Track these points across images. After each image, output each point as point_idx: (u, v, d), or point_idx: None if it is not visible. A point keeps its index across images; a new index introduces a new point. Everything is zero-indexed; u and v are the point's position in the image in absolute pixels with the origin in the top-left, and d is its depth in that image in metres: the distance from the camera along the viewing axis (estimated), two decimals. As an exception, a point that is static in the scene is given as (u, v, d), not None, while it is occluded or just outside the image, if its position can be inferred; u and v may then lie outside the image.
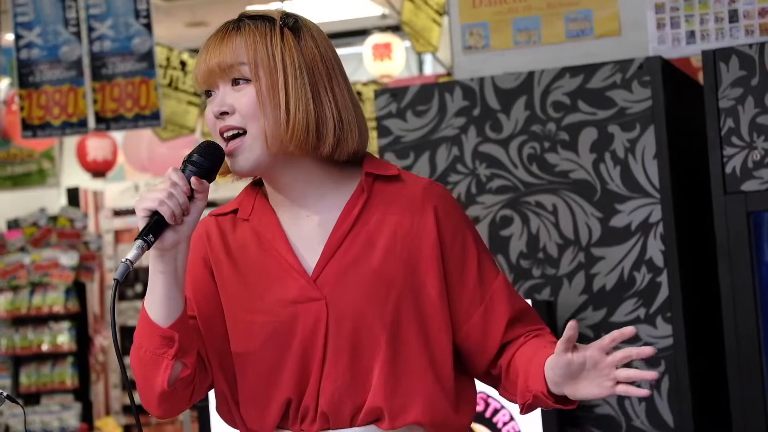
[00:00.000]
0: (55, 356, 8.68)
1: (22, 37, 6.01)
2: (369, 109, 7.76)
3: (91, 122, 6.07)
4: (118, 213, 10.19)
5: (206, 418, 3.25)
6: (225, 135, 1.98)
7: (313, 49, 2.00)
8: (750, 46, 3.03)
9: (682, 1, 3.24)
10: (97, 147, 8.63)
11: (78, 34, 6.00)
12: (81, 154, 8.73)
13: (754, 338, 2.99)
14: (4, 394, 2.28)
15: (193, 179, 1.91)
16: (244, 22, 2.00)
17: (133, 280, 10.20)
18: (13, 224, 8.61)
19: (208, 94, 2.01)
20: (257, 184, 2.09)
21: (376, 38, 8.51)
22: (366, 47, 8.48)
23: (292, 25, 2.01)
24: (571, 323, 1.89)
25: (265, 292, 1.99)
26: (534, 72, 3.23)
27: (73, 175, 9.75)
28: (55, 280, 8.61)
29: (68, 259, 8.64)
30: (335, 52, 2.06)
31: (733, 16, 3.20)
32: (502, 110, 3.25)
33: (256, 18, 2.01)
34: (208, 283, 2.04)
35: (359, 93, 8.75)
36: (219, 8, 8.77)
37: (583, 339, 3.15)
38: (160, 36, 6.45)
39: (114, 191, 10.18)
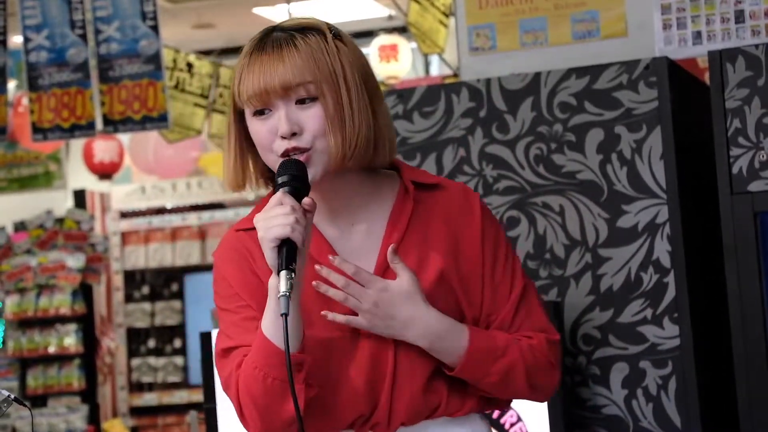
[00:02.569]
0: (62, 358, 8.69)
1: (30, 39, 6.02)
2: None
3: (99, 124, 6.08)
4: (124, 215, 10.21)
5: (213, 420, 3.25)
6: (291, 155, 1.93)
7: (361, 60, 2.00)
8: (756, 46, 3.03)
9: (689, 1, 3.25)
10: (103, 149, 8.64)
11: (84, 37, 6.01)
12: (87, 156, 8.75)
13: (761, 339, 2.99)
14: (11, 396, 2.28)
15: (305, 200, 1.89)
16: (294, 36, 1.96)
17: (139, 283, 10.22)
18: (20, 226, 8.61)
19: (260, 112, 1.95)
20: None
21: (383, 39, 8.51)
22: (372, 48, 8.49)
23: (337, 34, 1.98)
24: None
25: (322, 307, 1.96)
26: (540, 73, 3.23)
27: (80, 177, 9.76)
28: (61, 282, 8.62)
29: (75, 261, 8.65)
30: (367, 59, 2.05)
31: (740, 17, 3.20)
32: (508, 111, 3.25)
33: (303, 30, 1.97)
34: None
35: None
36: (225, 10, 8.78)
37: (591, 340, 3.16)
38: (167, 38, 6.45)
39: (120, 193, 10.20)
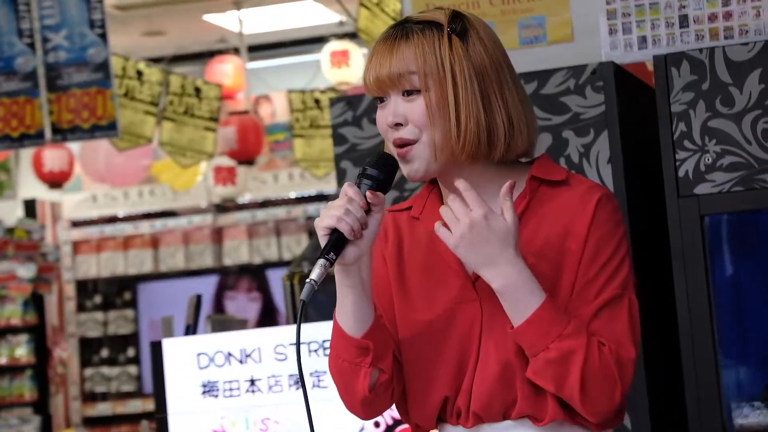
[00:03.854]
0: (14, 369, 8.62)
1: (-23, 49, 5.97)
2: (326, 118, 7.76)
3: (48, 133, 6.04)
4: (75, 224, 10.14)
5: (165, 429, 3.23)
6: (400, 145, 2.00)
7: (481, 54, 2.01)
8: (700, 50, 3.07)
9: (634, 6, 3.27)
10: (53, 158, 8.58)
11: (32, 45, 5.97)
12: (37, 165, 8.68)
13: (708, 340, 3.02)
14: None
15: (368, 193, 1.94)
16: (411, 29, 2.00)
17: (92, 292, 10.15)
18: (-30, 237, 8.55)
19: (380, 99, 2.02)
20: (433, 182, 2.11)
21: (334, 45, 8.52)
22: (324, 55, 8.49)
23: (460, 29, 2.01)
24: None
25: (429, 290, 2.04)
26: (488, 78, 3.24)
27: (30, 187, 9.69)
28: (12, 293, 8.56)
29: (26, 271, 8.59)
30: (503, 50, 2.06)
31: (684, 22, 3.23)
32: (457, 117, 3.26)
33: (423, 24, 2.01)
34: (389, 281, 2.09)
35: (317, 101, 8.77)
36: (175, 17, 8.75)
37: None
38: (116, 45, 6.43)
39: (71, 202, 10.13)
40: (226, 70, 8.88)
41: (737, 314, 3.22)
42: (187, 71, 8.63)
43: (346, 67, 8.52)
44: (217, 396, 3.16)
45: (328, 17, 8.91)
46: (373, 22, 6.81)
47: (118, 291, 10.15)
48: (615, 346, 1.96)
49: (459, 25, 2.01)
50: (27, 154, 9.15)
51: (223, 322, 4.34)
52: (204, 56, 9.28)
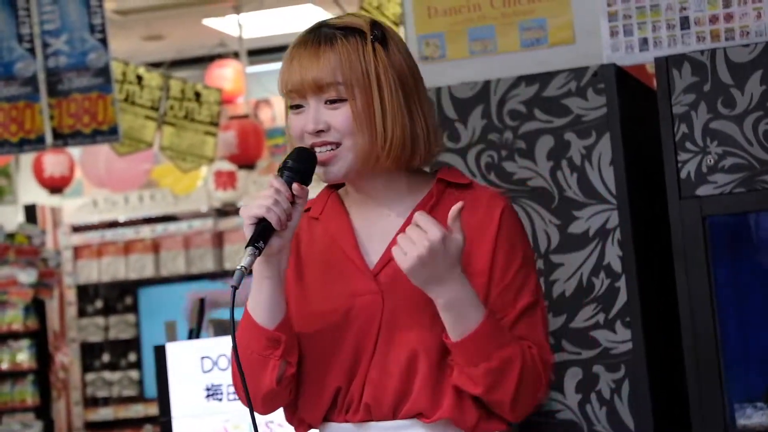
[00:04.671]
0: (15, 375, 8.62)
1: (-24, 54, 5.97)
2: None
3: (49, 138, 6.04)
4: (76, 229, 10.14)
5: (169, 433, 3.24)
6: (318, 149, 2.02)
7: (402, 63, 2.05)
8: (702, 52, 3.07)
9: (635, 8, 3.28)
10: (53, 163, 8.59)
11: (33, 50, 5.97)
12: (37, 170, 8.69)
13: (711, 341, 3.02)
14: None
15: (294, 185, 1.98)
16: (334, 35, 2.02)
17: (93, 297, 10.15)
18: (-30, 242, 8.55)
19: (296, 106, 2.04)
20: (332, 186, 2.16)
21: (333, 49, 8.50)
22: (323, 59, 8.47)
23: (381, 37, 2.03)
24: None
25: (327, 284, 2.07)
26: (490, 81, 3.25)
27: (30, 192, 9.68)
28: (13, 298, 8.56)
29: (26, 276, 8.59)
30: (414, 61, 2.10)
31: (685, 23, 3.24)
32: (459, 120, 3.27)
33: (345, 30, 2.03)
34: (288, 279, 2.11)
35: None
36: (174, 22, 8.76)
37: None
38: (116, 50, 6.43)
39: (72, 207, 10.13)
40: (225, 75, 8.88)
41: (740, 315, 3.23)
42: (187, 76, 8.63)
43: (346, 71, 8.50)
44: (221, 399, 3.17)
45: (328, 21, 8.91)
46: (373, 25, 6.81)
47: (119, 296, 10.14)
48: (539, 350, 2.05)
49: (380, 33, 2.04)
50: (27, 159, 9.16)
51: (225, 326, 4.34)
52: (204, 60, 9.28)
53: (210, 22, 8.87)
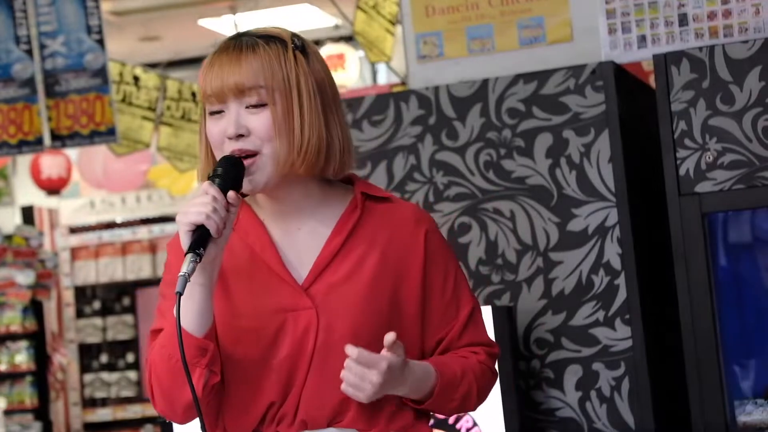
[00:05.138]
0: (14, 376, 8.61)
1: (-26, 57, 5.96)
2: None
3: (47, 140, 6.03)
4: (73, 230, 10.13)
5: (169, 433, 3.24)
6: (237, 156, 2.02)
7: (320, 73, 2.08)
8: (700, 49, 3.07)
9: (633, 6, 3.28)
10: (51, 164, 8.58)
11: (30, 52, 5.96)
12: (35, 172, 8.69)
13: (711, 338, 3.02)
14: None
15: (230, 193, 1.98)
16: (255, 41, 2.04)
17: (90, 298, 10.14)
18: (-32, 244, 8.54)
19: (216, 111, 2.04)
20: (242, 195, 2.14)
21: (330, 49, 8.52)
22: (319, 58, 8.47)
23: (301, 47, 2.06)
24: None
25: (254, 300, 2.05)
26: (488, 79, 3.25)
27: (28, 194, 9.68)
28: (11, 299, 8.56)
29: (24, 277, 8.58)
30: (331, 73, 2.13)
31: (683, 20, 3.24)
32: (457, 118, 3.27)
33: (266, 38, 2.05)
34: None
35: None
36: (171, 23, 8.76)
37: (544, 343, 3.18)
38: (113, 51, 6.42)
39: (69, 208, 10.12)
40: (222, 75, 8.87)
41: (739, 312, 3.23)
42: (183, 76, 8.61)
43: (342, 70, 8.52)
44: (221, 399, 3.16)
45: (324, 21, 8.91)
46: (369, 25, 6.82)
47: (116, 297, 10.14)
48: (487, 349, 2.16)
49: (300, 43, 2.07)
50: (24, 161, 9.15)
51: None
52: (200, 61, 9.26)
53: (206, 22, 8.86)
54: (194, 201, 1.96)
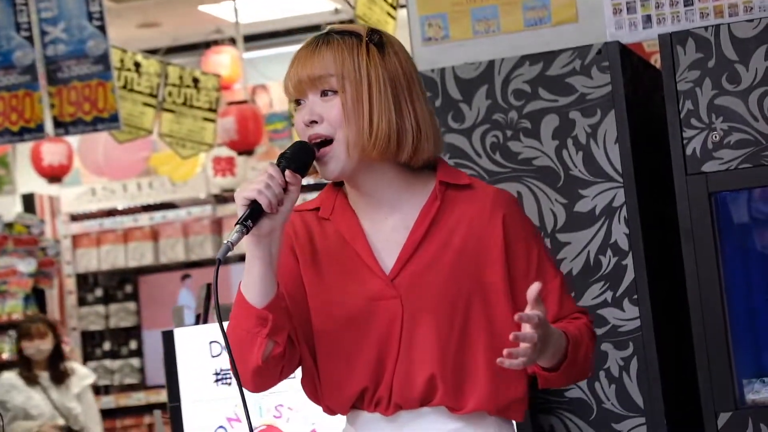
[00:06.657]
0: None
1: (-26, 43, 5.95)
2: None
3: (49, 127, 6.02)
4: (75, 218, 10.12)
5: (179, 419, 3.24)
6: (313, 142, 2.15)
7: (395, 64, 2.18)
8: (705, 28, 3.07)
9: (638, -14, 3.27)
10: (52, 152, 8.56)
11: (30, 39, 5.95)
12: (36, 159, 8.66)
13: (719, 317, 3.03)
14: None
15: (287, 172, 2.09)
16: (332, 36, 2.18)
17: (92, 286, 10.14)
18: (-31, 233, 8.53)
19: (297, 102, 2.18)
20: (337, 185, 2.27)
21: (330, 34, 8.48)
22: (320, 43, 8.45)
23: (377, 41, 2.18)
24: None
25: (345, 288, 2.18)
26: (494, 61, 3.25)
27: (29, 181, 9.66)
28: (13, 288, 8.55)
29: (26, 265, 8.58)
30: (415, 67, 2.25)
31: (688, 0, 3.24)
32: (463, 100, 3.27)
33: (344, 33, 2.18)
34: (296, 271, 2.21)
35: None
36: (171, 9, 8.73)
37: (552, 324, 3.18)
38: (113, 38, 6.40)
39: (70, 196, 10.11)
40: (222, 61, 8.85)
41: (747, 291, 3.23)
42: (184, 62, 8.60)
43: (343, 55, 8.48)
44: (230, 384, 3.17)
45: (324, 5, 8.89)
46: (371, 8, 6.80)
47: (118, 284, 10.13)
48: (584, 315, 2.26)
49: (377, 38, 2.18)
50: (25, 148, 9.13)
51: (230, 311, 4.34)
52: (200, 47, 9.25)
53: (206, 8, 8.84)
54: (253, 179, 2.07)
